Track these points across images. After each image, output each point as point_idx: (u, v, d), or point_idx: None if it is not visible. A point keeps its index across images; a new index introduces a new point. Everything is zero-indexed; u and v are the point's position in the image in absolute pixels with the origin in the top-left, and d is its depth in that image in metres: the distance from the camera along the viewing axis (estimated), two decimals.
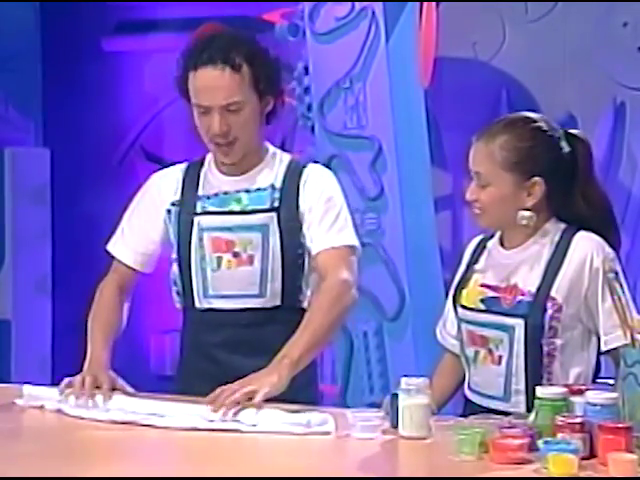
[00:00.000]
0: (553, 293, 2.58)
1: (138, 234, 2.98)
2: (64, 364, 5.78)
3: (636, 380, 2.22)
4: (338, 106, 4.90)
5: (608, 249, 2.61)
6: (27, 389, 2.78)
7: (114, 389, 2.70)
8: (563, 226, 2.65)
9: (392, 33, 4.79)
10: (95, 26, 6.04)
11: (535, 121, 2.66)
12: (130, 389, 2.76)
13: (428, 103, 4.91)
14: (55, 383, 2.78)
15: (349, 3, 4.84)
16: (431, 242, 4.90)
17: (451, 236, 5.20)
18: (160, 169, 3.06)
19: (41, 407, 2.73)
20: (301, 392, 2.74)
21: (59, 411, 2.69)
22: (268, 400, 2.54)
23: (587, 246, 2.59)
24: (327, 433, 2.45)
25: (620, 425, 2.18)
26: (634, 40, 4.93)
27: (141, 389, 2.81)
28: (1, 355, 5.77)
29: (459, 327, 2.73)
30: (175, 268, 2.94)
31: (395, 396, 2.45)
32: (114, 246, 3.03)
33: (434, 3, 4.98)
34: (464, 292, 2.73)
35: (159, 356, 5.95)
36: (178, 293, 2.96)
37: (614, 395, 2.26)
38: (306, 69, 5.00)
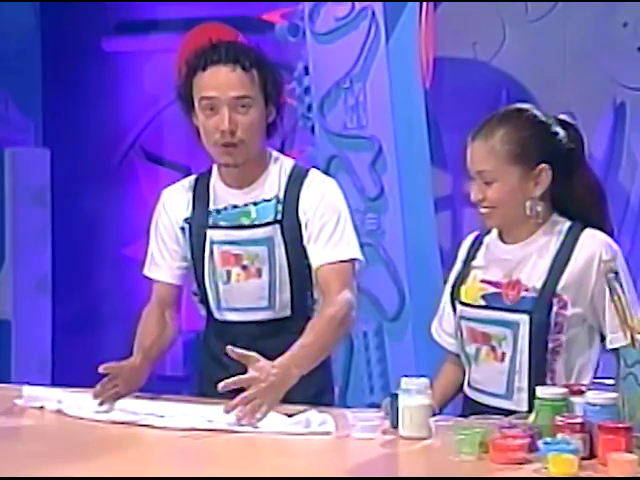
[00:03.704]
0: (559, 289, 2.56)
1: (167, 252, 2.96)
2: (64, 364, 5.82)
3: (636, 380, 2.22)
4: (338, 106, 4.90)
5: (615, 247, 2.59)
6: (27, 389, 2.78)
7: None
8: (569, 222, 2.64)
9: (392, 33, 4.79)
10: (95, 26, 6.04)
11: (527, 110, 2.67)
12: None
13: (428, 103, 4.91)
14: (55, 383, 2.78)
15: (349, 3, 4.83)
16: (431, 242, 4.90)
17: (451, 236, 5.20)
18: (170, 177, 3.03)
19: (41, 407, 2.73)
20: (319, 397, 2.78)
21: (59, 411, 2.69)
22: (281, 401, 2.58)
23: (595, 244, 2.57)
24: (327, 433, 2.45)
25: (620, 425, 2.18)
26: (634, 40, 4.92)
27: (141, 389, 2.81)
28: (1, 355, 5.77)
29: (459, 324, 2.71)
30: (194, 280, 2.95)
31: (395, 396, 2.45)
32: (149, 270, 3.00)
33: (431, 3, 4.98)
34: (463, 289, 2.71)
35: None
36: (201, 302, 2.97)
37: (614, 395, 2.26)
38: (306, 69, 5.00)
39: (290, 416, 2.52)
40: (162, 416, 2.58)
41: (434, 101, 4.98)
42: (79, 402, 2.70)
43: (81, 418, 2.63)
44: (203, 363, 3.01)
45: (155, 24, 6.01)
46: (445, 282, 2.85)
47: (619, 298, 2.37)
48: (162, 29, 5.95)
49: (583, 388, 2.37)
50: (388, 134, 4.79)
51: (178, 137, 5.90)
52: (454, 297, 2.74)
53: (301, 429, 2.47)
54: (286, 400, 2.59)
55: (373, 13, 4.79)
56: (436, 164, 5.00)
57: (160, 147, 6.05)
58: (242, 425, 2.50)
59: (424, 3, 4.89)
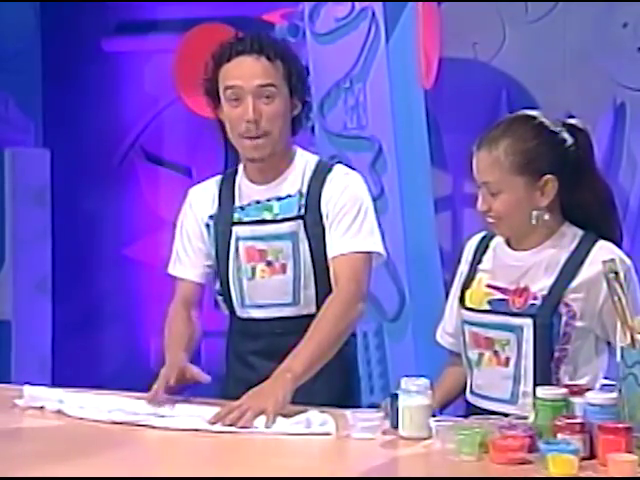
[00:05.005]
0: (567, 299, 2.53)
1: (191, 250, 2.97)
2: (64, 364, 5.82)
3: (636, 380, 2.22)
4: (338, 106, 4.90)
5: (628, 262, 2.54)
6: (27, 389, 2.78)
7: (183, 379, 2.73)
8: (580, 232, 2.60)
9: (392, 33, 4.79)
10: (95, 26, 6.04)
11: (534, 118, 2.61)
12: (206, 377, 2.75)
13: (428, 103, 4.91)
14: (55, 383, 2.78)
15: (349, 3, 4.83)
16: (431, 242, 4.90)
17: (451, 236, 5.20)
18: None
19: (41, 407, 2.73)
20: (344, 399, 2.79)
21: (59, 411, 2.69)
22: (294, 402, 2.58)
23: (607, 258, 2.44)
24: (327, 433, 2.45)
25: (620, 425, 2.18)
26: (634, 40, 4.93)
27: (141, 389, 2.81)
28: (1, 355, 5.77)
29: (462, 330, 2.68)
30: (217, 279, 2.95)
31: (395, 396, 2.45)
32: (174, 269, 3.01)
33: (435, 4, 4.98)
34: (467, 293, 2.68)
35: (159, 356, 5.94)
36: (224, 301, 2.97)
37: (614, 395, 2.26)
38: (306, 69, 5.00)
39: (291, 416, 2.52)
40: (162, 416, 2.58)
41: (434, 101, 4.98)
42: (80, 402, 2.70)
43: (81, 418, 2.63)
44: (228, 363, 3.00)
45: (155, 24, 6.01)
46: (445, 283, 2.84)
47: (619, 299, 2.36)
48: (162, 29, 5.95)
49: (583, 388, 2.37)
50: (388, 134, 4.79)
51: (178, 137, 5.91)
52: (460, 301, 2.70)
53: (302, 429, 2.47)
54: (310, 402, 2.59)
55: (373, 13, 4.78)
56: (436, 164, 5.00)
57: (160, 147, 6.05)
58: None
59: (425, 3, 4.89)
